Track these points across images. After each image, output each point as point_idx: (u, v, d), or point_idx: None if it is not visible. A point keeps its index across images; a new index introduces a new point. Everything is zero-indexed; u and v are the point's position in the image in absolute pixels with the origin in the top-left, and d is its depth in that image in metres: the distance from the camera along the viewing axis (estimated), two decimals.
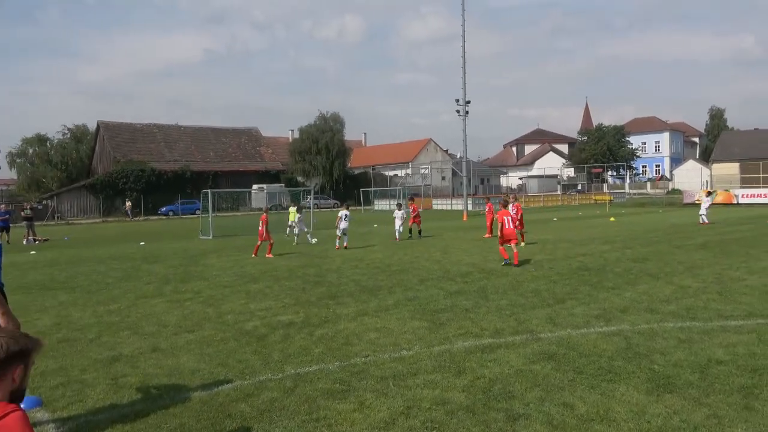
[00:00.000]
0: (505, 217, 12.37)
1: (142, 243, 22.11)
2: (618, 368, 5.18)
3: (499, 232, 12.52)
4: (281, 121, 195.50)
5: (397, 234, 19.14)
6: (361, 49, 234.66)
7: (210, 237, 23.06)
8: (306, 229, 19.91)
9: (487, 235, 19.26)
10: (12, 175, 67.00)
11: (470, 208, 39.64)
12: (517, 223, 14.60)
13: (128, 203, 50.49)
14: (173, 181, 56.00)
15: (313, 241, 18.94)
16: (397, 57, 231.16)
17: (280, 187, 55.41)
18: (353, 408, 4.43)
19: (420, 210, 21.63)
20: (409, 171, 74.05)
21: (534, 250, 14.85)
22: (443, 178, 72.55)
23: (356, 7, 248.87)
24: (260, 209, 18.11)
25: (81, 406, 4.68)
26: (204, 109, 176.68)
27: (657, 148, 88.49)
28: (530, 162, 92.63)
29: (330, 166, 63.26)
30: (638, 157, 79.80)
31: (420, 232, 20.32)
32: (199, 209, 44.12)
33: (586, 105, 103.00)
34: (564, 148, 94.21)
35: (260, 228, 15.53)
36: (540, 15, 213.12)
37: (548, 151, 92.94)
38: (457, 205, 47.46)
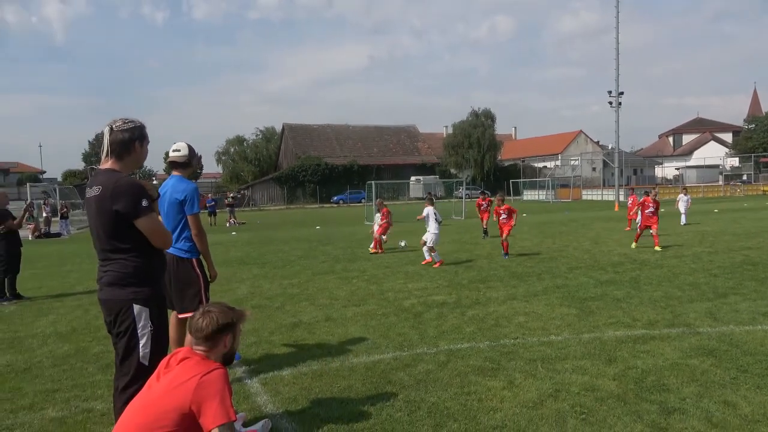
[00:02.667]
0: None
1: (318, 227, 23.66)
2: None
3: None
4: (437, 118, 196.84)
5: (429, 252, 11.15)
6: (512, 47, 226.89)
7: (374, 223, 23.91)
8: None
9: (627, 228, 17.19)
10: (218, 169, 75.48)
11: (621, 198, 36.70)
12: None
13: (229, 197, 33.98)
14: (343, 174, 59.09)
15: (402, 243, 14.71)
16: (547, 52, 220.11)
17: (434, 179, 55.94)
18: (503, 386, 4.33)
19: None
20: (558, 162, 70.41)
21: (693, 242, 13.33)
22: (594, 169, 67.93)
23: (506, 6, 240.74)
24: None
25: (269, 363, 5.13)
26: (368, 109, 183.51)
27: None
28: (688, 152, 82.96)
29: (481, 159, 62.30)
30: None
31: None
32: (364, 198, 46.01)
33: (755, 91, 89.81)
34: (727, 137, 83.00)
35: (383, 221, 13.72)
36: (700, 1, 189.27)
37: (709, 141, 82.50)
38: (608, 195, 44.19)
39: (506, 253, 11.86)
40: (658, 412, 3.75)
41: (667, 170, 74.32)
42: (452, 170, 64.01)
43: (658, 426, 3.56)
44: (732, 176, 64.66)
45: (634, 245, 12.67)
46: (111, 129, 3.08)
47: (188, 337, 4.63)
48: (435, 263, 10.81)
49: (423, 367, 4.84)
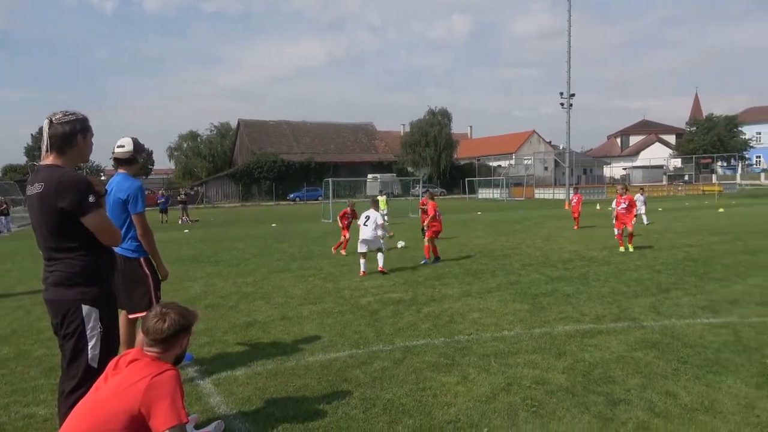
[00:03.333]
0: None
1: (273, 225, 23.38)
2: (725, 360, 4.71)
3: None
4: (394, 116, 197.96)
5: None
6: (468, 47, 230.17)
7: (330, 220, 23.85)
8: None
9: (575, 228, 17.29)
10: (170, 165, 73.51)
11: (582, 197, 37.88)
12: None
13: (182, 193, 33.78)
14: (300, 171, 58.57)
15: (401, 244, 13.86)
16: (502, 53, 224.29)
17: (391, 177, 56.24)
18: (457, 381, 4.40)
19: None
20: (512, 161, 71.96)
21: (637, 240, 13.89)
22: (546, 168, 69.77)
23: (464, 6, 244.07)
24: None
25: (222, 363, 5.04)
26: (326, 106, 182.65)
27: None
28: (635, 153, 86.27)
29: (438, 157, 63.07)
30: (752, 147, 71.68)
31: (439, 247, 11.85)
32: (321, 196, 45.75)
33: (696, 95, 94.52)
34: (671, 138, 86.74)
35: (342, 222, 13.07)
36: (648, 6, 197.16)
37: (654, 142, 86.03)
38: (559, 194, 45.49)
39: (436, 259, 10.68)
40: (605, 404, 3.90)
41: (615, 170, 77.14)
42: (409, 168, 64.49)
43: (604, 417, 3.70)
44: (675, 176, 67.72)
45: (623, 248, 11.71)
46: (50, 122, 2.94)
47: (139, 338, 4.51)
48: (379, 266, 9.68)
49: (379, 364, 4.86)
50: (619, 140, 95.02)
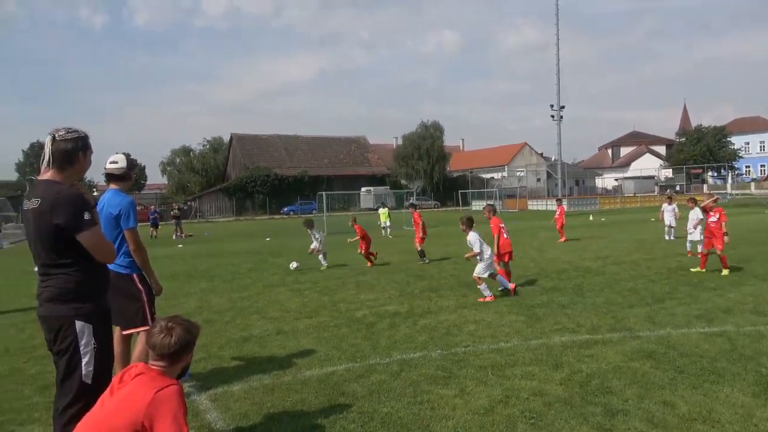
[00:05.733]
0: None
1: (268, 239, 23.29)
2: (722, 369, 4.72)
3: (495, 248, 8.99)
4: (386, 129, 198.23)
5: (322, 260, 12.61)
6: (458, 61, 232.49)
7: (324, 233, 23.79)
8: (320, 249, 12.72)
9: (561, 240, 17.03)
10: (163, 180, 73.29)
11: (565, 209, 38.04)
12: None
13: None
14: (293, 185, 58.55)
15: (324, 265, 12.56)
16: (492, 67, 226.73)
17: (385, 190, 56.31)
18: (454, 394, 4.38)
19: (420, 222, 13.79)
20: (505, 174, 72.30)
21: (630, 249, 13.95)
22: (538, 180, 70.13)
23: (453, 22, 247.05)
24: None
25: (219, 378, 5.00)
26: (318, 121, 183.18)
27: (762, 148, 79.96)
28: (626, 164, 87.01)
29: (431, 170, 63.22)
30: (741, 157, 72.48)
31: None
32: (315, 209, 45.75)
33: (684, 106, 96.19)
34: (661, 149, 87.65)
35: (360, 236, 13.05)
36: (635, 19, 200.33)
37: (645, 153, 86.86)
38: (552, 205, 45.63)
39: (422, 255, 11.52)
40: (603, 414, 3.89)
41: (606, 181, 77.67)
42: (402, 181, 64.60)
43: (603, 427, 3.69)
44: (666, 186, 68.18)
45: (698, 269, 10.02)
46: (53, 138, 2.94)
47: (137, 353, 4.47)
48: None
49: (376, 377, 4.84)
50: (610, 151, 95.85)
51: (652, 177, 73.50)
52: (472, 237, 8.36)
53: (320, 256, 12.67)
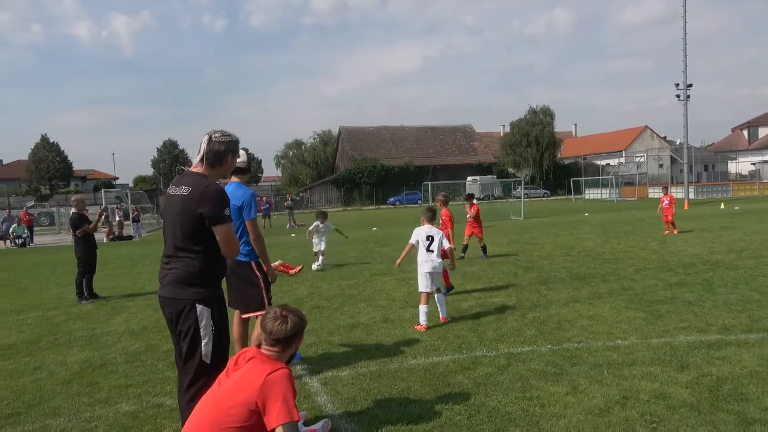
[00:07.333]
0: None
1: (374, 228, 23.80)
2: None
3: None
4: (493, 117, 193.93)
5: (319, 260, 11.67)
6: (571, 41, 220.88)
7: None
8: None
9: (666, 232, 15.60)
10: (277, 173, 77.52)
11: (692, 196, 34.86)
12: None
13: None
14: (399, 175, 59.25)
15: (315, 267, 11.57)
16: (608, 45, 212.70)
17: (492, 179, 55.17)
18: (566, 391, 4.19)
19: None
20: (622, 160, 67.79)
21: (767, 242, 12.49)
22: (661, 166, 65.02)
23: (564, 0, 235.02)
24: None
25: (329, 363, 5.19)
26: (424, 110, 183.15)
27: None
28: (766, 146, 77.79)
29: (540, 157, 61.00)
30: None
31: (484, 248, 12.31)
32: (420, 199, 45.93)
33: None
34: None
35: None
36: None
37: None
38: (677, 193, 42.14)
39: (448, 289, 7.96)
40: (736, 423, 3.52)
41: (741, 166, 70.03)
42: (510, 169, 62.92)
43: None
44: None
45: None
46: (210, 138, 3.27)
47: (254, 336, 4.77)
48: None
49: (482, 370, 4.75)
50: (746, 132, 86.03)
51: None
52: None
53: (319, 256, 11.65)
